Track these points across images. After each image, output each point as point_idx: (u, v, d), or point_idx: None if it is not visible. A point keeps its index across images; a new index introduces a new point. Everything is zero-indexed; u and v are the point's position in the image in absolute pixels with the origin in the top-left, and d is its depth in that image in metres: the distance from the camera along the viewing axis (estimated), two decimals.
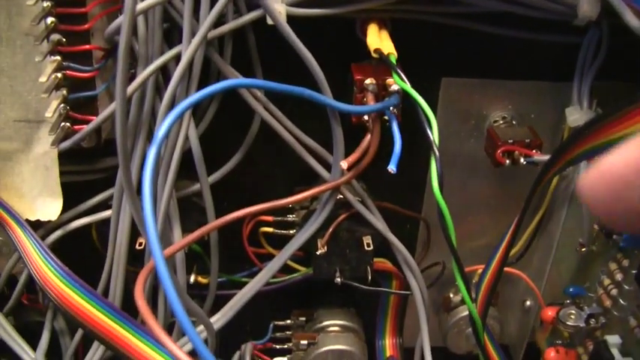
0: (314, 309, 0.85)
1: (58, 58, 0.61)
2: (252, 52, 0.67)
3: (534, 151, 0.69)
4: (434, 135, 0.60)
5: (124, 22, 0.52)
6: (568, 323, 0.75)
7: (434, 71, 0.71)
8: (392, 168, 0.60)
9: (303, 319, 0.85)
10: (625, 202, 0.30)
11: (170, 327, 0.72)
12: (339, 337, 0.82)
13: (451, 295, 0.84)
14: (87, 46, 0.61)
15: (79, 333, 0.75)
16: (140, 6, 0.58)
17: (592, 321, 0.74)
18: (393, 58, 0.62)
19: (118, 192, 0.67)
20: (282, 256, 0.73)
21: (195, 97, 0.50)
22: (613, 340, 0.71)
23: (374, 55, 0.63)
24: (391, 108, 0.64)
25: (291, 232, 0.76)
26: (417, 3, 0.64)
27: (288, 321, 0.86)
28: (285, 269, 0.77)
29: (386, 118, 0.65)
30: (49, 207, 0.67)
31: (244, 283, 0.75)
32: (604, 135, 0.47)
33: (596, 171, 0.32)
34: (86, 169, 0.69)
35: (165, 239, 0.67)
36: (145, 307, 0.45)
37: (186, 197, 0.71)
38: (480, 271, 0.76)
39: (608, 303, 0.72)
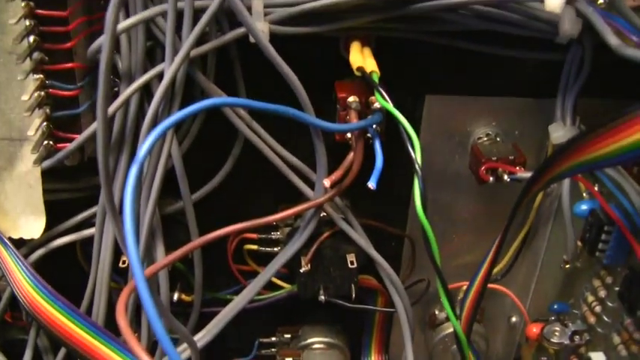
0: (299, 326, 0.85)
1: (41, 76, 0.60)
2: (235, 70, 0.67)
3: (518, 168, 0.69)
4: (416, 154, 0.60)
5: (105, 41, 0.52)
6: (552, 340, 0.75)
7: (417, 88, 0.71)
8: (372, 184, 0.60)
9: (288, 336, 0.85)
10: None
11: (155, 344, 0.72)
12: (324, 354, 0.82)
13: (436, 312, 0.84)
14: (70, 64, 0.61)
15: (62, 351, 0.74)
16: (122, 25, 0.58)
17: (576, 338, 0.74)
18: (376, 77, 0.62)
19: (100, 210, 0.67)
20: (266, 274, 0.73)
21: (177, 115, 0.50)
22: (597, 357, 0.71)
23: (357, 73, 0.63)
24: (374, 126, 0.64)
25: (276, 249, 0.76)
26: (399, 21, 0.64)
27: (273, 338, 0.86)
28: (270, 286, 0.77)
29: (369, 135, 0.65)
30: (32, 225, 0.66)
31: (229, 301, 0.75)
32: (587, 152, 0.47)
33: None
34: (69, 187, 0.69)
35: (149, 257, 0.67)
36: (126, 327, 0.44)
37: (170, 215, 0.71)
38: (464, 287, 0.76)
39: (592, 320, 0.72)
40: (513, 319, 0.86)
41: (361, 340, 0.88)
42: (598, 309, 0.71)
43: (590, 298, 0.72)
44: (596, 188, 0.67)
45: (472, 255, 0.82)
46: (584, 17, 0.59)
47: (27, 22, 0.58)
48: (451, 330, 0.81)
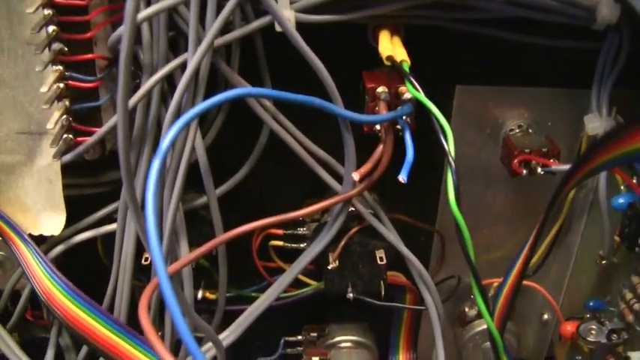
0: (325, 324, 0.84)
1: (60, 67, 0.59)
2: (260, 60, 0.65)
3: (552, 160, 0.68)
4: (450, 146, 0.58)
5: (125, 30, 0.50)
6: (589, 339, 0.74)
7: (448, 79, 0.70)
8: (403, 177, 0.58)
9: (315, 334, 0.84)
10: None
11: (179, 342, 0.71)
12: (352, 353, 0.81)
13: (466, 309, 0.83)
14: (90, 55, 0.60)
15: (85, 349, 0.74)
16: (143, 14, 0.57)
17: (614, 336, 0.72)
18: (406, 66, 0.61)
19: (122, 206, 0.66)
20: (293, 270, 0.72)
21: (201, 106, 0.49)
22: (636, 356, 0.70)
23: (386, 62, 0.62)
24: (404, 117, 0.62)
25: (302, 245, 0.75)
26: (430, 8, 0.62)
27: (299, 337, 0.85)
28: (296, 283, 0.76)
29: (399, 127, 0.63)
30: (52, 221, 0.65)
31: (254, 298, 0.74)
32: (626, 144, 0.46)
33: None
34: (90, 182, 0.68)
35: (172, 253, 0.66)
36: (149, 326, 0.43)
37: (194, 210, 0.70)
38: (496, 284, 0.75)
39: (630, 318, 0.71)
40: (545, 316, 0.84)
41: (389, 337, 0.86)
42: (637, 306, 0.70)
43: (629, 295, 0.70)
44: (634, 181, 0.65)
45: (502, 250, 0.80)
46: (624, 2, 0.57)
47: (45, 12, 0.57)
48: (482, 327, 0.80)
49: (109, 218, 0.69)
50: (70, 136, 0.62)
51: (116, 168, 0.66)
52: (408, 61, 0.61)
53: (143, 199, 0.62)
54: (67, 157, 0.63)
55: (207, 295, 0.76)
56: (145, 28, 0.60)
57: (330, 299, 0.76)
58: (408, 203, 0.76)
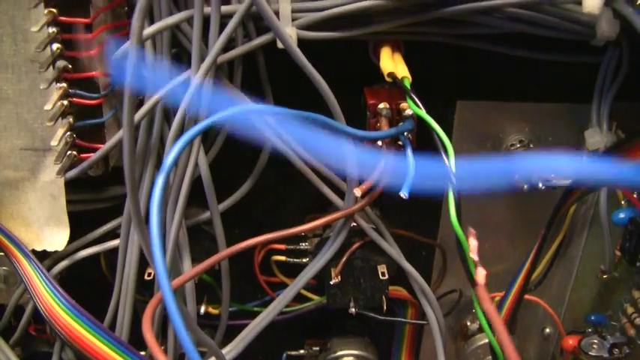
0: (328, 338, 0.83)
1: (64, 84, 0.60)
2: (262, 77, 0.66)
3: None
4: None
5: (131, 47, 0.50)
6: (591, 353, 0.74)
7: (449, 94, 0.70)
8: (404, 193, 0.58)
9: (317, 348, 0.83)
10: None
11: (182, 357, 0.71)
12: None
13: (468, 323, 0.83)
14: (93, 73, 0.60)
15: None
16: (147, 31, 0.57)
17: (615, 351, 0.72)
18: (407, 83, 0.61)
19: (126, 221, 0.66)
20: (295, 285, 0.72)
21: (204, 123, 0.49)
22: None
23: (387, 79, 0.62)
24: (405, 133, 0.62)
25: (304, 260, 0.75)
26: (431, 25, 0.62)
27: (302, 351, 0.84)
28: (298, 298, 0.76)
29: (400, 143, 0.63)
30: (55, 237, 0.65)
31: (256, 313, 0.73)
32: (627, 160, 0.46)
33: None
34: (93, 198, 0.68)
35: (175, 268, 0.66)
36: (153, 341, 0.43)
37: (197, 225, 0.70)
38: (497, 298, 0.75)
39: (632, 332, 0.70)
40: (547, 330, 0.84)
41: (391, 352, 0.86)
42: (639, 321, 0.69)
43: (630, 310, 0.70)
44: (635, 195, 0.65)
45: (503, 264, 0.80)
46: (624, 18, 0.57)
47: (50, 30, 0.57)
48: (484, 341, 0.80)
49: (112, 234, 0.69)
50: (74, 152, 0.62)
51: (119, 184, 0.66)
52: (410, 77, 0.62)
53: (146, 214, 0.62)
54: (71, 174, 0.63)
55: (210, 309, 0.76)
56: (148, 45, 0.60)
57: (333, 314, 0.76)
58: (409, 218, 0.76)
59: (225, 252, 0.63)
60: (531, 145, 0.72)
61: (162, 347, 0.69)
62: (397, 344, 0.85)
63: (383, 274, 0.71)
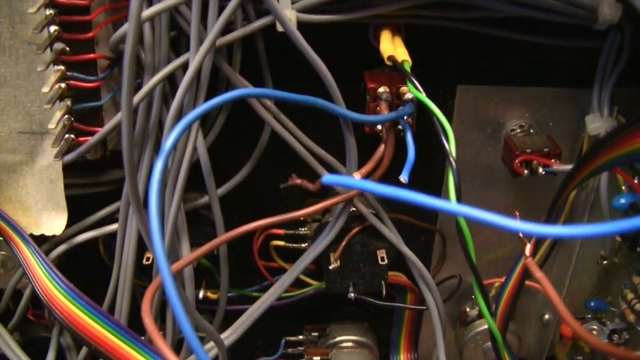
0: (327, 324, 0.84)
1: (62, 67, 0.59)
2: (261, 60, 0.65)
3: (553, 160, 0.67)
4: (451, 147, 0.58)
5: (130, 30, 0.50)
6: None
7: (449, 78, 0.70)
8: (404, 178, 0.58)
9: (316, 334, 0.84)
10: None
11: (180, 342, 0.71)
12: (353, 353, 0.80)
13: (467, 309, 0.83)
14: (91, 55, 0.59)
15: (85, 350, 0.73)
16: (146, 13, 0.56)
17: (615, 337, 0.72)
18: (408, 66, 0.61)
19: (124, 205, 0.65)
20: (294, 270, 0.71)
21: (203, 107, 0.49)
22: None
23: (388, 62, 0.61)
24: (405, 117, 0.62)
25: (303, 245, 0.75)
26: (431, 8, 0.62)
27: (301, 336, 0.85)
28: (297, 283, 0.75)
29: (400, 127, 0.63)
30: (53, 221, 0.65)
31: (255, 298, 0.74)
32: (628, 144, 0.46)
33: None
34: (92, 182, 0.68)
35: (174, 253, 0.66)
36: (152, 326, 0.43)
37: (195, 210, 0.70)
38: (497, 284, 0.75)
39: (631, 318, 0.70)
40: (546, 316, 0.84)
41: (390, 337, 0.86)
42: (638, 307, 0.69)
43: (630, 296, 0.70)
44: (635, 181, 0.65)
45: (503, 250, 0.80)
46: (626, 1, 0.57)
47: (47, 12, 0.57)
48: (483, 327, 0.80)
49: (111, 218, 0.69)
50: (72, 136, 0.62)
51: (117, 168, 0.66)
52: (410, 61, 0.61)
53: (145, 199, 0.62)
54: (69, 157, 0.63)
55: (209, 294, 0.76)
56: (146, 27, 0.59)
57: (332, 299, 0.76)
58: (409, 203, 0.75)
59: (223, 237, 0.63)
60: (532, 130, 0.71)
61: (161, 332, 0.69)
62: (396, 330, 0.85)
63: (382, 259, 0.71)
